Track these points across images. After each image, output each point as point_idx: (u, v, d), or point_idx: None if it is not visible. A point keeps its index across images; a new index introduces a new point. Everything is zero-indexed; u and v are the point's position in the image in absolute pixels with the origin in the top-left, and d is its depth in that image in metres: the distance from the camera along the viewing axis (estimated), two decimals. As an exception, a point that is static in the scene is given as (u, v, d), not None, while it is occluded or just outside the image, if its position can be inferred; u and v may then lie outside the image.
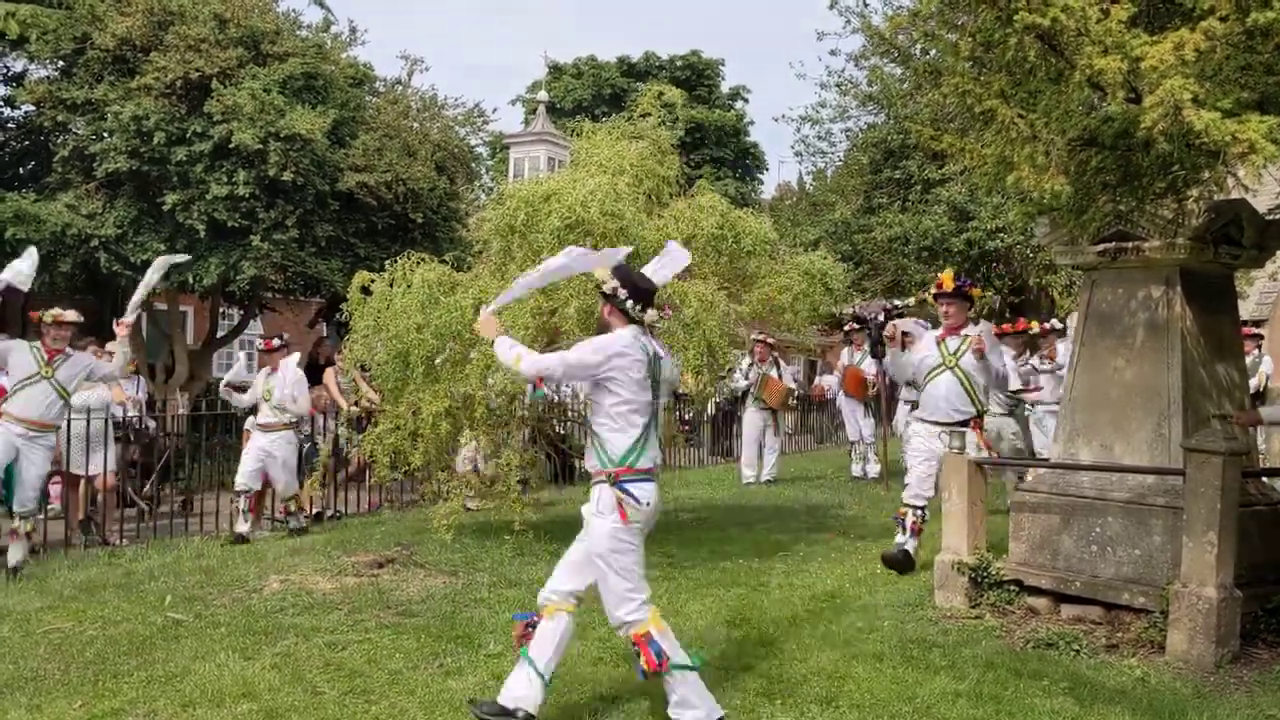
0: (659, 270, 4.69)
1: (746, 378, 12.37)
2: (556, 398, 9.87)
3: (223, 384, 9.74)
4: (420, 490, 10.87)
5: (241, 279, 12.12)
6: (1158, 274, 5.65)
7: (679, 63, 36.42)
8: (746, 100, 38.00)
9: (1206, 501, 4.84)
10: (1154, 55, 3.26)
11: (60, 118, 12.31)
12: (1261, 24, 3.28)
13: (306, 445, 10.43)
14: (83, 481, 8.83)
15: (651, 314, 4.31)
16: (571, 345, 5.40)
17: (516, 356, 4.29)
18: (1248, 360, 8.21)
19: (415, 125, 14.25)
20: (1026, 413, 11.09)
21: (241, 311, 15.46)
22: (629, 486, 4.08)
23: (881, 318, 8.00)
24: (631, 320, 4.22)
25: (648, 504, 4.12)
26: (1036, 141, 3.78)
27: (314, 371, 13.34)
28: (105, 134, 12.04)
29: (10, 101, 13.47)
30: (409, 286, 7.47)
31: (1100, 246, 5.78)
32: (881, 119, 15.54)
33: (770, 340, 12.07)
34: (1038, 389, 10.06)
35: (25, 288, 7.52)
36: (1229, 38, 3.33)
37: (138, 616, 5.81)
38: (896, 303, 12.10)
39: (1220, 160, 3.48)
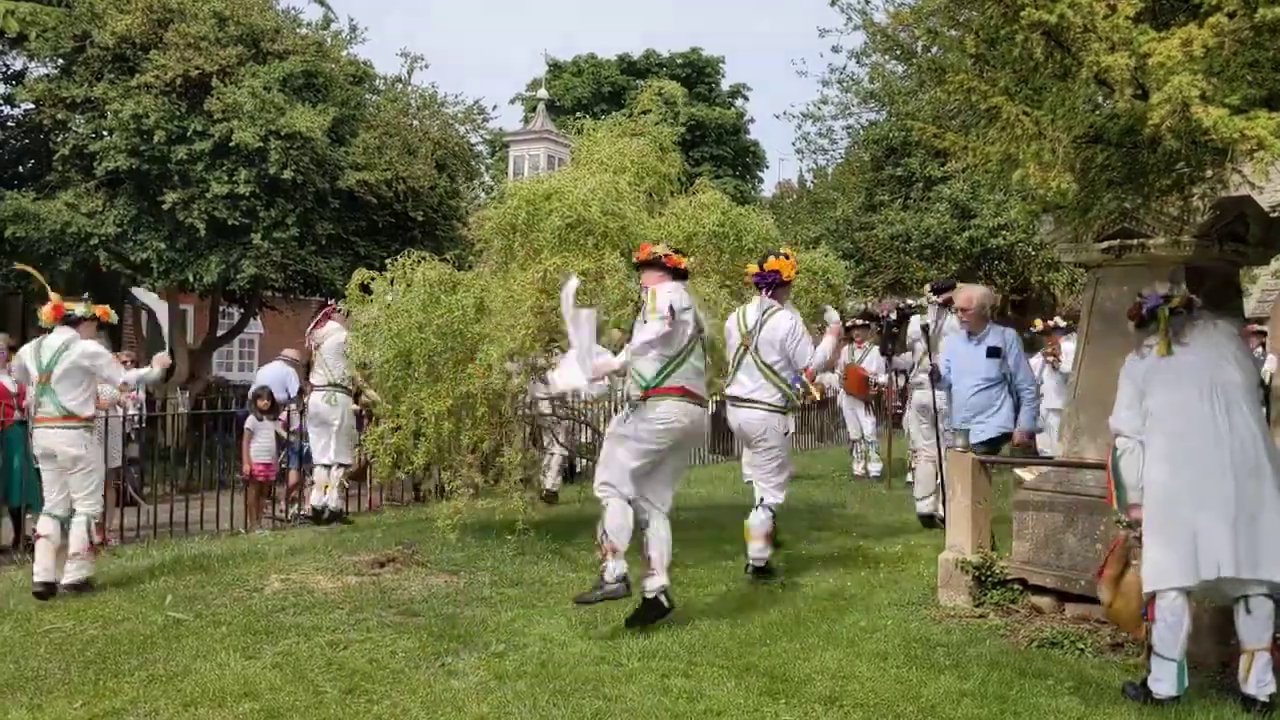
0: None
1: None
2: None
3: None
4: (420, 489, 10.88)
5: (242, 277, 12.12)
6: (1163, 271, 5.62)
7: (679, 60, 36.42)
8: (747, 98, 38.03)
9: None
10: (1161, 52, 3.24)
11: (60, 116, 12.33)
12: (1270, 20, 3.26)
13: (306, 445, 10.43)
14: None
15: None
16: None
17: None
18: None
19: (415, 123, 14.26)
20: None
21: (241, 310, 15.46)
22: None
23: (894, 316, 8.04)
24: None
25: None
26: (1042, 139, 3.76)
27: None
28: (105, 132, 12.04)
29: (10, 100, 13.49)
30: (409, 285, 7.44)
31: (1105, 244, 5.76)
32: (883, 116, 15.52)
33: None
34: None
35: None
36: (1237, 34, 3.31)
37: (138, 616, 5.80)
38: (910, 301, 12.07)
39: (1228, 157, 3.46)
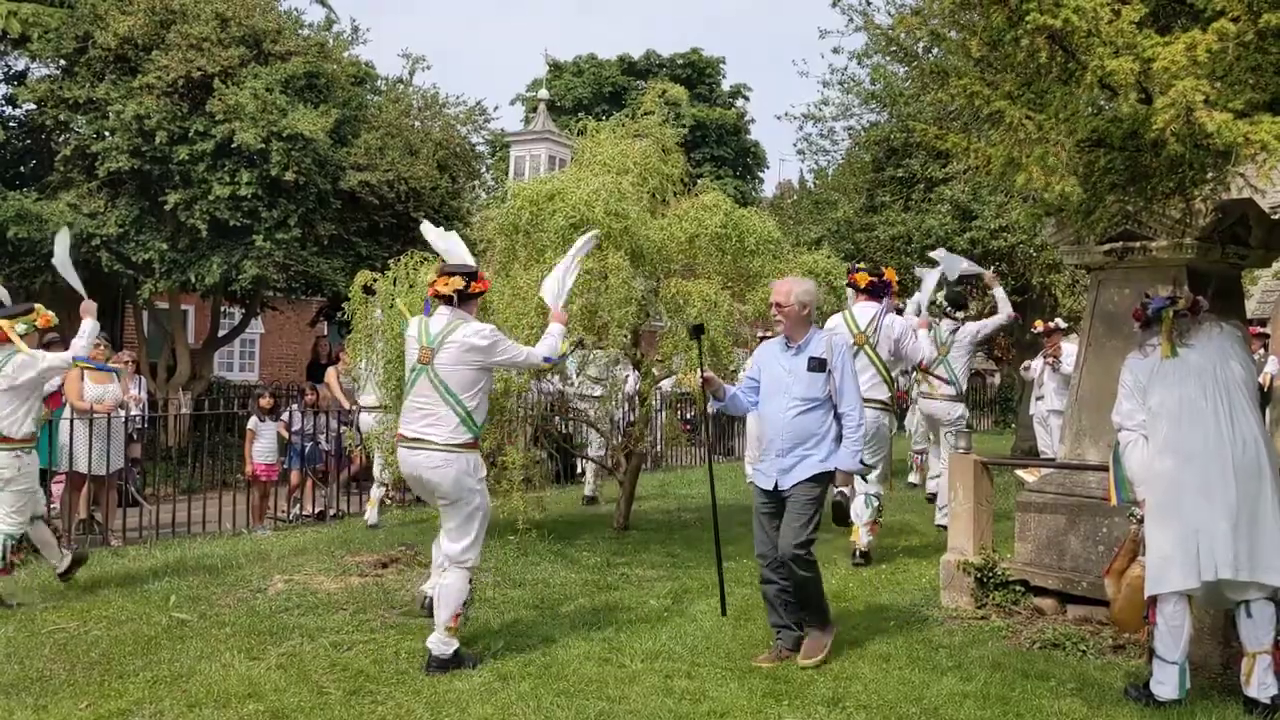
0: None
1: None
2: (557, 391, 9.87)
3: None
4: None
5: (244, 278, 12.09)
6: (1165, 274, 5.64)
7: (679, 61, 36.42)
8: (747, 99, 38.02)
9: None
10: (1166, 56, 3.26)
11: (62, 116, 12.31)
12: (1273, 25, 3.27)
13: (309, 445, 10.45)
14: (87, 482, 8.80)
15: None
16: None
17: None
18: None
19: (417, 124, 14.25)
20: (1030, 412, 11.05)
21: (243, 310, 15.46)
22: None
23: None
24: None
25: None
26: (1045, 143, 3.78)
27: (316, 370, 13.35)
28: (107, 133, 12.03)
29: (12, 100, 13.46)
30: (411, 286, 7.45)
31: (1107, 246, 5.78)
32: (884, 117, 15.49)
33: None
34: None
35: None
36: (1240, 38, 3.33)
37: (142, 616, 5.81)
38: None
39: (1231, 161, 3.47)
